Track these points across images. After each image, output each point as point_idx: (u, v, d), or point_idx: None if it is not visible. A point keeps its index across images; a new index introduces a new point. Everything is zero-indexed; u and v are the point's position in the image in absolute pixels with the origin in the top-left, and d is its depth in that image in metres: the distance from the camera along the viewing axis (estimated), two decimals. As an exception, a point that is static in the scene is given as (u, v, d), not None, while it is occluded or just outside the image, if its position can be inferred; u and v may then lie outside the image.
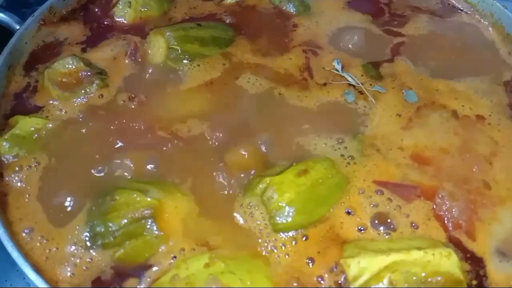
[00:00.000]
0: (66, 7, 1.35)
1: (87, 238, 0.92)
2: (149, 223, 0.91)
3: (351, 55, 1.29)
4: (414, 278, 0.87)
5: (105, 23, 1.33)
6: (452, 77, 1.25)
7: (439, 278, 0.87)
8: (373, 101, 1.17)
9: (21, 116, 1.09)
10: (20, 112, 1.11)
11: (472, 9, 1.45)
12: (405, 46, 1.33)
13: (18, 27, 1.26)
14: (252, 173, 1.01)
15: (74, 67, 1.17)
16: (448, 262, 0.88)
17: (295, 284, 0.89)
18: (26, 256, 0.88)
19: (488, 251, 0.95)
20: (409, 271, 0.87)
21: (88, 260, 0.90)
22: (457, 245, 0.95)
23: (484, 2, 1.41)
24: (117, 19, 1.33)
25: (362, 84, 1.19)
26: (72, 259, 0.90)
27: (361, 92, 1.19)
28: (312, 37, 1.34)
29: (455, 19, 1.44)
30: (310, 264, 0.91)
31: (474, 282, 0.92)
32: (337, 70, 1.23)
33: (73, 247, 0.92)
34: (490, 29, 1.41)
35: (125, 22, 1.33)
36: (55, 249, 0.92)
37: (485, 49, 1.36)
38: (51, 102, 1.13)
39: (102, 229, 0.91)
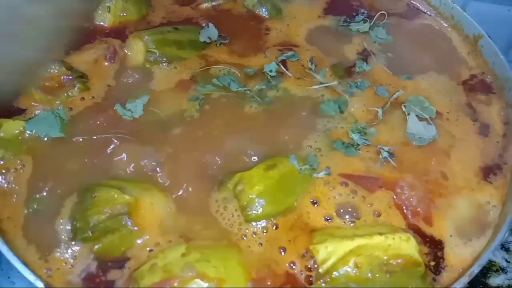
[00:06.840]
0: (49, 11, 1.38)
1: (69, 234, 0.96)
2: (125, 219, 0.96)
3: (323, 54, 1.34)
4: (377, 260, 0.93)
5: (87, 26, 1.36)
6: (417, 76, 1.31)
7: (399, 260, 0.93)
8: (347, 98, 1.22)
9: (5, 119, 1.10)
10: (3, 115, 1.12)
11: (434, 11, 1.51)
12: (375, 46, 1.39)
13: (1, 30, 1.28)
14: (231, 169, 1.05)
15: (56, 71, 1.20)
16: (407, 246, 0.94)
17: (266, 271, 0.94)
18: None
19: (444, 235, 1.03)
20: (372, 254, 0.93)
21: (71, 254, 0.94)
22: (416, 231, 1.02)
23: (445, 5, 1.48)
24: (97, 23, 1.37)
25: (334, 82, 1.24)
26: (58, 255, 0.94)
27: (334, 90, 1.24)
28: (286, 38, 1.39)
29: (420, 21, 1.50)
30: (282, 253, 0.97)
31: (432, 263, 0.99)
32: (311, 69, 1.28)
33: (58, 243, 0.95)
34: (451, 30, 1.47)
35: (106, 26, 1.36)
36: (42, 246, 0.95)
37: (447, 50, 1.42)
38: (34, 105, 1.16)
39: (82, 225, 0.95)
